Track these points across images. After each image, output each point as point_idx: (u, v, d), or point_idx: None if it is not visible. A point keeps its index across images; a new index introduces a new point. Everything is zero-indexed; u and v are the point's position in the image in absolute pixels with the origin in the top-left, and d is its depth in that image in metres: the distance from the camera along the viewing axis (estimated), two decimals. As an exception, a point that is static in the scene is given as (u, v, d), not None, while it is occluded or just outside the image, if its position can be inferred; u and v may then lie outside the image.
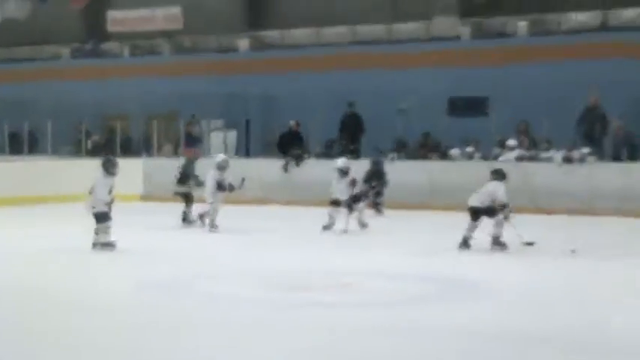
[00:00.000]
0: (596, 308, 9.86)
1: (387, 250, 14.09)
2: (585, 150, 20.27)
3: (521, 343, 8.17)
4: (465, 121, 23.50)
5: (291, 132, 24.03)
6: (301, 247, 14.72)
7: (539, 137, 21.48)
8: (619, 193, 19.31)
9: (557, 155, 20.17)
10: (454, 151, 22.12)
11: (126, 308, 9.72)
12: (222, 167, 16.72)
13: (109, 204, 13.70)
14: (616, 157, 20.35)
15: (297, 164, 22.79)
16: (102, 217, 13.32)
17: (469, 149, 21.73)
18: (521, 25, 24.61)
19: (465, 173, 20.78)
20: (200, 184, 17.19)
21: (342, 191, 16.38)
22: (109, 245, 13.36)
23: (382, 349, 7.92)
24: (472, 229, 14.20)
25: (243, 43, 28.78)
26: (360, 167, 21.17)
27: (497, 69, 23.84)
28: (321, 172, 22.04)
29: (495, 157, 20.94)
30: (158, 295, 10.48)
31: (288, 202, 18.14)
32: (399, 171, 21.10)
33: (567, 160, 19.98)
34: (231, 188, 16.57)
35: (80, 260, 12.71)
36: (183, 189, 17.70)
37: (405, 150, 22.61)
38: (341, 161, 17.21)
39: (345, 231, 15.70)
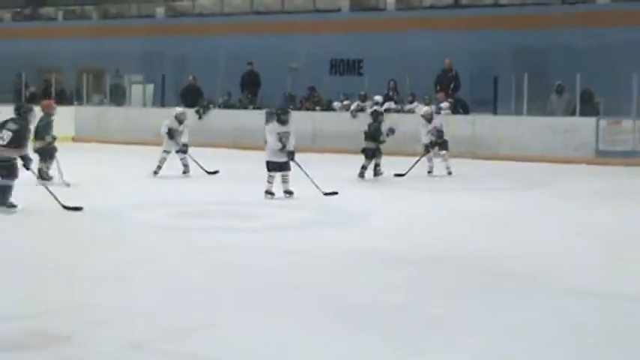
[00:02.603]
0: (450, 230, 10.16)
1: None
2: (444, 104, 20.58)
3: (380, 260, 8.35)
4: (343, 79, 23.66)
5: (190, 86, 23.93)
6: (210, 182, 14.70)
7: (405, 93, 21.70)
8: (468, 139, 19.71)
9: (419, 107, 20.40)
10: (336, 104, 22.26)
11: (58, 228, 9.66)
12: (179, 119, 15.64)
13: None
14: (455, 111, 20.71)
15: (204, 112, 22.72)
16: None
17: (346, 102, 21.89)
18: (390, 1, 24.69)
19: (343, 122, 21.08)
20: (54, 138, 14.07)
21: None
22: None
23: (266, 264, 8.07)
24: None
25: (160, 11, 28.36)
26: (256, 117, 21.32)
27: (370, 36, 23.94)
28: (224, 119, 22.16)
29: (362, 110, 21.16)
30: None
31: (200, 144, 17.96)
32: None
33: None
34: (184, 148, 15.43)
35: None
36: (40, 144, 13.91)
37: (294, 103, 22.63)
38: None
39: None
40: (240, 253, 8.62)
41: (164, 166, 15.32)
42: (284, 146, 12.59)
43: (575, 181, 15.67)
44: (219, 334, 5.84)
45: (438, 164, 16.40)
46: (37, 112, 12.71)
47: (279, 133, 12.60)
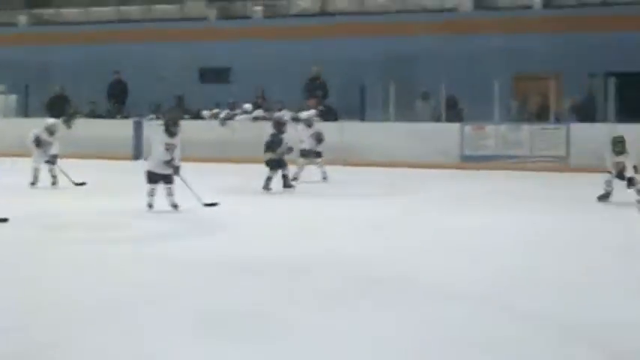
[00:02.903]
0: (319, 237, 10.00)
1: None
2: (312, 111, 20.44)
3: (244, 268, 8.09)
4: (212, 87, 23.36)
5: (57, 95, 23.26)
6: (80, 193, 14.18)
7: (273, 100, 21.51)
8: (337, 147, 19.65)
9: (288, 115, 20.24)
10: (204, 113, 21.92)
11: None
12: (50, 130, 15.00)
13: None
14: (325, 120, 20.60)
15: (70, 121, 21.97)
16: None
17: (215, 111, 21.58)
18: (257, 9, 24.52)
19: (213, 131, 20.80)
20: None
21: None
22: None
23: (130, 276, 7.71)
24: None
25: (23, 19, 27.44)
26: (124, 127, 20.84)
27: (237, 44, 23.72)
28: (90, 128, 21.49)
29: (231, 118, 20.95)
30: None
31: (67, 155, 17.26)
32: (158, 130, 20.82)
33: (295, 119, 20.06)
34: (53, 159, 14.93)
35: None
36: None
37: (162, 111, 22.20)
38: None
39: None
40: (104, 266, 8.24)
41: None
42: (172, 159, 12.14)
43: (441, 186, 15.76)
44: (70, 353, 5.51)
45: (314, 170, 16.38)
46: None
47: (166, 144, 12.14)
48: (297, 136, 16.54)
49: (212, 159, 19.83)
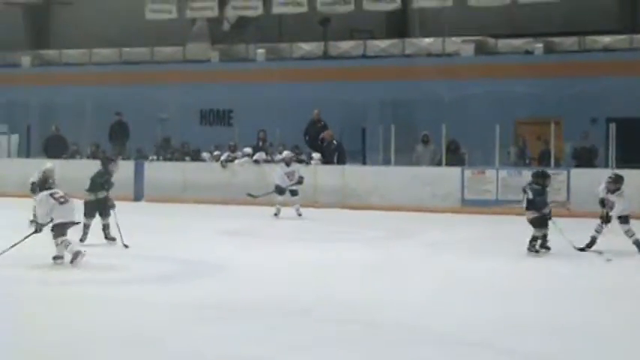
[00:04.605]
0: (318, 280, 10.02)
1: (150, 236, 13.81)
2: (316, 155, 20.55)
3: (239, 311, 8.18)
4: (213, 129, 23.47)
5: (54, 136, 23.37)
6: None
7: (275, 143, 21.59)
8: (338, 190, 19.74)
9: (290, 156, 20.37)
10: (205, 155, 22.00)
11: None
12: (46, 176, 15.21)
13: None
14: (327, 162, 20.62)
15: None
16: None
17: (216, 153, 21.64)
18: (260, 51, 24.69)
19: (214, 173, 20.87)
20: None
21: None
22: None
23: (138, 318, 7.70)
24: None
25: (26, 60, 27.63)
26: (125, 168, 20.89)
27: (240, 86, 23.84)
28: (90, 170, 21.48)
29: (232, 160, 21.04)
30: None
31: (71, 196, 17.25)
32: (159, 170, 21.03)
33: (299, 161, 20.24)
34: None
35: None
36: None
37: (164, 153, 22.38)
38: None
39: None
40: (96, 307, 8.28)
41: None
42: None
43: (442, 231, 15.81)
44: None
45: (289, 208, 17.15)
46: None
47: None
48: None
49: (212, 201, 19.92)
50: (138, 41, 26.32)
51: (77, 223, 11.21)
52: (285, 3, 24.19)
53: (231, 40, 25.79)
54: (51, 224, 10.84)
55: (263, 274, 10.61)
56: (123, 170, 20.84)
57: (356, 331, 7.41)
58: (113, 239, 12.66)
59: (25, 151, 24.59)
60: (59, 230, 10.83)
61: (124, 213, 16.00)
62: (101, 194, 12.76)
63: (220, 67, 25.10)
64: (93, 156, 22.73)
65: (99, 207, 12.78)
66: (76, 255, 10.78)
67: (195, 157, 22.16)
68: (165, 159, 22.30)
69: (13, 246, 10.75)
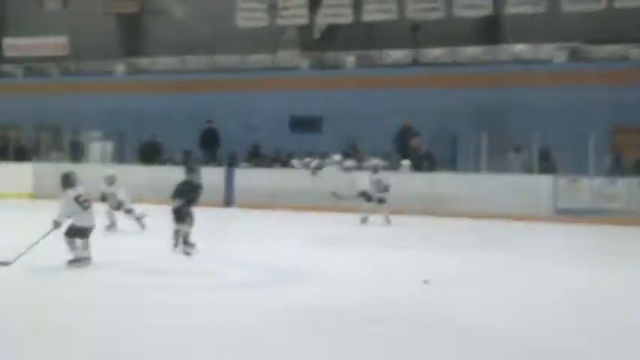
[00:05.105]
0: (408, 288, 9.92)
1: (240, 242, 13.93)
2: (405, 162, 20.48)
3: (334, 319, 8.11)
4: (303, 136, 23.53)
5: (149, 142, 23.75)
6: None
7: (364, 150, 21.57)
8: (427, 197, 19.63)
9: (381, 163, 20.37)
10: (294, 162, 22.10)
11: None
12: (108, 182, 15.55)
13: None
14: (417, 169, 20.53)
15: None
16: None
17: (306, 160, 21.71)
18: (350, 59, 24.72)
19: (303, 180, 20.92)
20: None
21: None
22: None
23: (231, 322, 7.75)
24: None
25: (120, 68, 28.20)
26: (215, 174, 21.14)
27: (330, 94, 23.89)
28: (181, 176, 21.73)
29: (321, 167, 21.08)
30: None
31: (158, 202, 17.36)
32: (250, 177, 21.14)
33: (385, 168, 20.23)
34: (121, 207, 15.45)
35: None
36: None
37: (255, 160, 22.57)
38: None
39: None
40: (184, 312, 8.35)
41: (119, 222, 15.25)
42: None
43: (535, 239, 15.58)
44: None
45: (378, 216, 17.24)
46: None
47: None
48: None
49: (302, 207, 19.98)
50: (229, 49, 26.62)
51: (92, 227, 11.19)
52: (376, 10, 24.20)
53: (321, 47, 25.89)
54: (67, 225, 11.00)
55: (354, 280, 10.58)
56: (213, 176, 21.29)
57: (450, 338, 7.33)
58: (192, 246, 12.63)
59: (119, 157, 25.02)
60: (73, 233, 11.01)
61: (214, 219, 16.28)
62: (180, 202, 12.66)
63: (310, 74, 25.22)
64: (183, 163, 23.03)
65: (183, 214, 12.73)
66: (77, 260, 10.90)
67: (285, 163, 22.27)
68: (255, 166, 22.45)
69: (34, 244, 10.87)
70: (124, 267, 11.16)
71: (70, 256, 10.94)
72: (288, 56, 25.96)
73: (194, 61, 27.32)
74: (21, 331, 7.51)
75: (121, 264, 11.43)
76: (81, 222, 10.98)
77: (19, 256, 10.71)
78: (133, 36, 29.53)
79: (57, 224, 10.88)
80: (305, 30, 26.04)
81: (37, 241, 10.85)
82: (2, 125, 27.82)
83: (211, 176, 21.38)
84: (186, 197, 12.59)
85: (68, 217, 10.95)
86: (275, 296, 9.36)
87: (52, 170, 22.97)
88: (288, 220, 18.27)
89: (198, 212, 12.81)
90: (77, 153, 25.47)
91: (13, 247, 10.92)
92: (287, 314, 8.28)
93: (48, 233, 10.94)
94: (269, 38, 26.16)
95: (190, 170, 13.08)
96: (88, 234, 11.07)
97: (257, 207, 20.49)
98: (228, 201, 21.52)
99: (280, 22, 25.90)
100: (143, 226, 15.35)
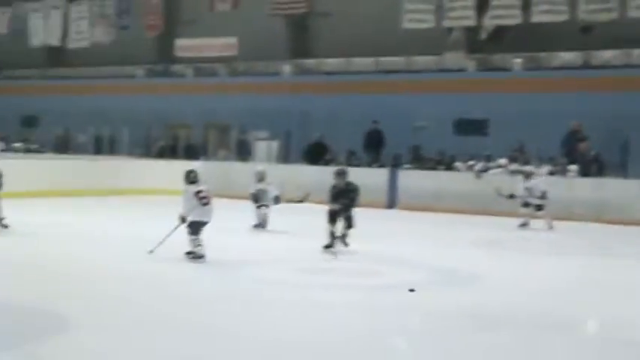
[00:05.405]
0: (577, 296, 9.71)
1: (402, 243, 13.95)
2: (573, 167, 20.08)
3: (494, 321, 8.00)
4: (467, 139, 23.32)
5: (317, 142, 24.05)
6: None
7: (531, 154, 21.21)
8: (595, 203, 19.14)
9: (544, 170, 20.01)
10: (458, 164, 21.95)
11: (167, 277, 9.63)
12: (258, 178, 15.61)
13: None
14: (585, 174, 20.04)
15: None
16: None
17: (471, 162, 21.53)
18: (517, 61, 24.39)
19: (467, 183, 20.74)
20: None
21: None
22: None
23: (389, 324, 7.77)
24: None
25: (287, 69, 28.73)
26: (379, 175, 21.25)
27: (496, 97, 23.61)
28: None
29: (486, 170, 20.86)
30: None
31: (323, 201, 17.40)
32: (413, 178, 21.13)
33: (551, 173, 19.89)
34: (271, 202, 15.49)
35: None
36: None
37: (419, 162, 22.55)
38: None
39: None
40: (342, 311, 8.43)
41: (270, 220, 15.29)
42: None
43: None
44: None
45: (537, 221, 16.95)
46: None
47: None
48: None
49: (465, 210, 19.82)
50: (394, 50, 26.70)
51: (205, 222, 11.42)
52: (545, 11, 23.74)
53: (488, 49, 25.63)
54: (188, 221, 11.34)
55: (516, 285, 10.44)
56: (377, 177, 21.43)
57: (617, 350, 7.14)
58: (346, 245, 12.65)
59: (284, 156, 25.46)
60: (194, 228, 11.31)
61: (376, 220, 16.35)
62: (334, 205, 12.65)
63: (476, 76, 25.01)
64: (347, 163, 23.22)
65: (336, 216, 12.69)
66: (198, 255, 11.22)
67: (449, 166, 22.15)
68: (418, 167, 22.40)
69: (166, 238, 11.41)
70: (291, 265, 11.41)
71: (189, 248, 11.32)
72: (454, 58, 25.82)
73: (359, 62, 27.54)
74: (189, 328, 7.78)
75: (284, 262, 11.68)
76: (198, 216, 11.33)
77: (158, 245, 11.41)
78: (300, 37, 30.00)
79: (183, 219, 11.35)
80: (472, 31, 25.82)
81: (169, 235, 11.45)
82: (173, 124, 28.83)
83: (375, 177, 21.60)
84: (342, 201, 12.64)
85: (190, 211, 11.35)
86: (433, 298, 9.32)
87: (219, 169, 23.80)
88: (450, 223, 18.16)
89: (360, 213, 12.88)
90: (244, 152, 26.07)
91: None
92: (445, 317, 8.24)
93: (176, 227, 11.44)
94: (435, 40, 26.09)
95: (339, 174, 13.06)
96: (202, 228, 11.36)
97: (419, 209, 20.46)
98: (391, 202, 21.56)
99: (447, 23, 25.80)
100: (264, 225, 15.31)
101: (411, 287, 9.49)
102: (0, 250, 12.22)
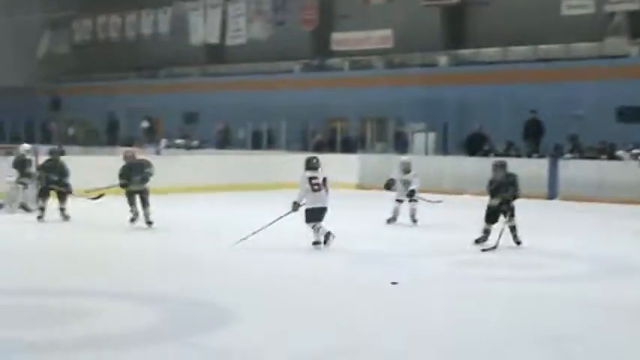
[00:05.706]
0: None
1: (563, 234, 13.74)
2: None
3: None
4: (631, 127, 22.69)
5: (477, 133, 23.85)
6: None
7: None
8: None
9: None
10: (620, 153, 21.37)
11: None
12: (403, 169, 14.93)
13: None
14: None
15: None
16: None
17: (635, 151, 20.91)
18: (684, 44, 23.61)
19: (631, 172, 20.16)
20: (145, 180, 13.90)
21: None
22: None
23: (551, 316, 7.75)
24: None
25: (443, 60, 28.63)
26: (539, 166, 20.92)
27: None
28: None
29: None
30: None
31: (480, 193, 17.19)
32: (574, 168, 20.70)
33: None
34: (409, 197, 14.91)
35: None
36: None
37: (579, 151, 22.05)
38: None
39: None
40: (502, 303, 8.39)
41: (399, 215, 14.87)
42: None
43: None
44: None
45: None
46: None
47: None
48: None
49: (630, 201, 19.26)
50: (553, 38, 26.22)
51: (323, 209, 11.44)
52: None
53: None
54: (304, 208, 11.45)
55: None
56: (537, 168, 21.05)
57: None
58: (519, 243, 12.42)
59: (442, 148, 25.39)
60: (309, 216, 11.42)
61: (537, 211, 16.12)
62: (494, 200, 12.37)
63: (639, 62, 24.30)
64: (505, 154, 22.90)
65: (500, 211, 12.39)
66: (327, 236, 11.32)
67: (612, 155, 21.58)
68: (578, 157, 21.89)
69: (272, 222, 11.62)
70: (449, 259, 11.38)
71: (313, 239, 11.46)
72: (616, 44, 25.14)
73: (517, 51, 27.18)
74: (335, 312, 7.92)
75: (440, 255, 11.68)
76: (310, 203, 11.46)
77: (259, 230, 11.54)
78: (456, 27, 29.82)
79: (296, 205, 11.49)
80: (635, 16, 25.07)
81: (274, 221, 11.66)
82: (330, 117, 29.16)
83: (534, 167, 21.25)
84: (504, 195, 12.23)
85: (302, 197, 11.47)
86: (597, 291, 9.17)
87: (376, 161, 23.92)
88: (613, 213, 17.70)
89: (520, 204, 12.64)
90: (401, 144, 26.11)
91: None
92: (607, 311, 8.11)
93: (288, 213, 11.62)
94: (596, 26, 25.48)
95: (498, 167, 12.63)
96: (320, 215, 11.43)
97: (582, 199, 20.01)
98: (552, 193, 21.18)
99: (608, 8, 25.16)
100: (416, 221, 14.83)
101: (394, 281, 9.21)
102: (157, 243, 12.55)
